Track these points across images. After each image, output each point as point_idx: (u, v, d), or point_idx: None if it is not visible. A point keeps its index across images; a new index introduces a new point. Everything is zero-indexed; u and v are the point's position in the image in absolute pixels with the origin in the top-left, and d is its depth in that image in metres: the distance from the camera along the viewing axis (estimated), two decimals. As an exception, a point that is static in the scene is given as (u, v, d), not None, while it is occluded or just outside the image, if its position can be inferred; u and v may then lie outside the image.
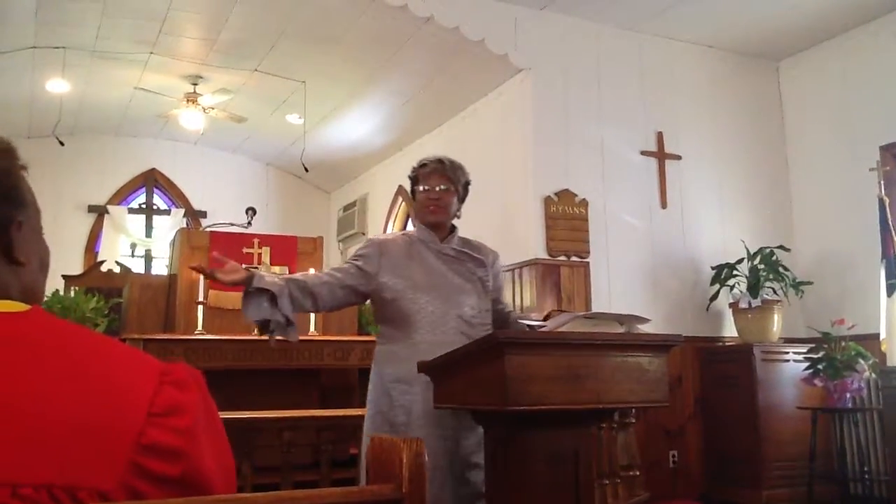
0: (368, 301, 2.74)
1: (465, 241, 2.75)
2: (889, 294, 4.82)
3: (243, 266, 2.55)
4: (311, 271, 2.70)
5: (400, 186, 7.51)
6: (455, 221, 2.77)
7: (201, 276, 4.72)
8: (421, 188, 2.68)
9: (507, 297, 2.88)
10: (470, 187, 2.78)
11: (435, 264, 2.63)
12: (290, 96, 6.80)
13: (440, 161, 2.69)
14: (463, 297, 2.60)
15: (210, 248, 5.01)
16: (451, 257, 2.66)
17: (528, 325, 2.63)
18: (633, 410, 3.88)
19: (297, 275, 2.67)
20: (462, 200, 2.75)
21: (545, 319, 2.62)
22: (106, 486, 0.76)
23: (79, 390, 0.79)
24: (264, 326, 2.50)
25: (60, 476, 0.74)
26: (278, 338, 2.54)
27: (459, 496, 2.44)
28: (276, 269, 4.95)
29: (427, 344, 2.49)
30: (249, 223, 6.03)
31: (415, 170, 2.72)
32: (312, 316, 4.88)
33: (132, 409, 0.80)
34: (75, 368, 0.82)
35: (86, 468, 0.75)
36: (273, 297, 2.45)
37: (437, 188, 2.65)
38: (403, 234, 2.77)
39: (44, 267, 1.00)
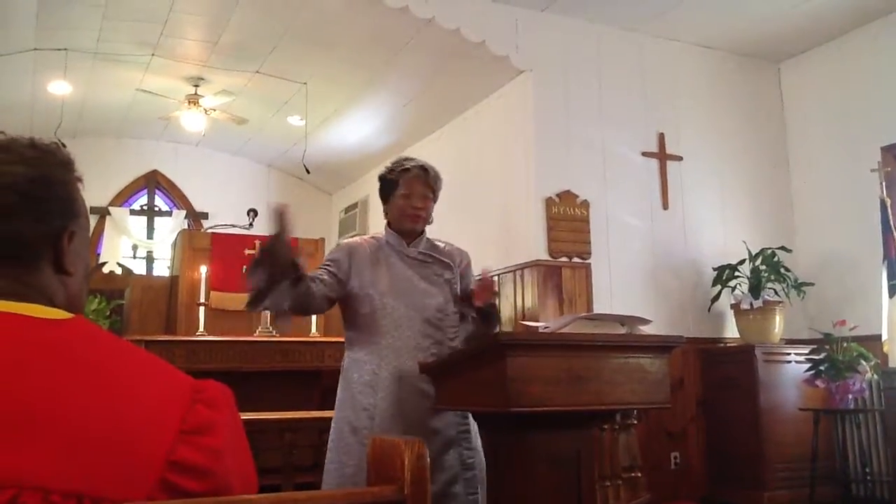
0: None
1: (432, 244, 2.74)
2: (891, 295, 4.82)
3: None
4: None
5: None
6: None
7: (203, 278, 4.74)
8: (401, 192, 2.64)
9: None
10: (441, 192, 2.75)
11: (401, 268, 2.62)
12: (292, 98, 6.80)
13: (424, 169, 2.65)
14: (429, 299, 2.59)
15: (212, 249, 5.02)
16: (417, 261, 2.65)
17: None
18: (635, 412, 3.87)
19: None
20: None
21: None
22: (134, 498, 0.76)
23: (114, 402, 0.80)
24: (258, 299, 2.40)
25: (90, 486, 0.74)
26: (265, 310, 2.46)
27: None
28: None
29: (392, 348, 2.51)
30: (251, 225, 6.03)
31: (394, 171, 2.67)
32: (314, 317, 4.89)
33: (164, 426, 0.81)
34: (112, 380, 0.82)
35: (115, 480, 0.76)
36: (292, 281, 2.37)
37: (423, 195, 2.63)
38: (371, 238, 2.74)
39: (87, 276, 1.02)
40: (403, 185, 2.64)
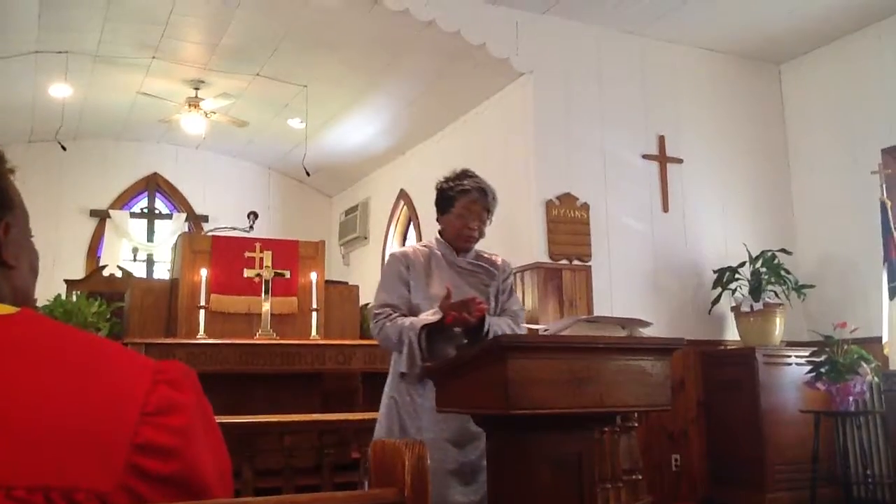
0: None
1: (479, 254, 2.82)
2: (891, 297, 4.81)
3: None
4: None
5: (402, 190, 7.52)
6: None
7: (203, 281, 4.74)
8: (457, 211, 2.69)
9: (518, 301, 2.90)
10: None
11: (451, 277, 2.70)
12: (292, 100, 6.81)
13: (484, 192, 2.70)
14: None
15: (212, 252, 5.02)
16: (466, 270, 2.74)
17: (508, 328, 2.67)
18: (636, 414, 3.87)
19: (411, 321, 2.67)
20: None
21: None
22: (104, 487, 0.75)
23: (72, 392, 0.79)
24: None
25: (57, 478, 0.73)
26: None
27: (465, 500, 2.48)
28: (287, 273, 4.95)
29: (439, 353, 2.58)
30: (251, 227, 6.02)
31: (453, 188, 2.71)
32: (314, 321, 4.89)
33: (126, 409, 0.80)
34: (68, 370, 0.81)
35: (83, 470, 0.75)
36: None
37: (481, 218, 2.70)
38: (424, 247, 2.81)
39: (33, 270, 1.00)
40: (460, 206, 2.69)
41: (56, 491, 0.73)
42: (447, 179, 2.74)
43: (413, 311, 2.65)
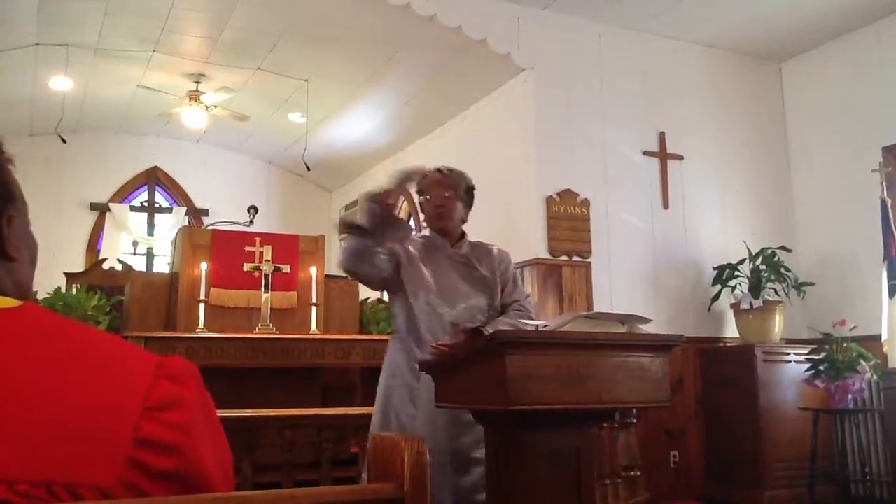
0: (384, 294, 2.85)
1: (475, 245, 2.86)
2: (891, 295, 4.82)
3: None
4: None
5: (402, 186, 7.50)
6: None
7: (203, 275, 4.74)
8: (425, 198, 2.82)
9: (522, 290, 2.92)
10: (475, 192, 2.89)
11: (446, 269, 2.75)
12: (293, 95, 6.80)
13: (439, 171, 2.83)
14: (469, 300, 2.71)
15: (212, 246, 5.02)
16: (460, 262, 2.78)
17: (519, 323, 2.67)
18: (635, 411, 3.88)
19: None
20: (469, 206, 2.87)
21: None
22: (106, 482, 0.75)
23: (74, 386, 0.79)
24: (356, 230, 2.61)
25: (59, 473, 0.73)
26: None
27: (458, 489, 2.51)
28: (287, 267, 4.96)
29: (430, 344, 2.59)
30: (251, 221, 6.02)
31: (419, 183, 2.83)
32: (314, 315, 4.89)
33: (127, 404, 0.79)
34: (70, 364, 0.81)
35: (84, 464, 0.75)
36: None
37: (441, 195, 2.78)
38: (422, 237, 2.90)
39: (33, 261, 0.99)
40: (426, 191, 2.83)
41: (59, 485, 0.73)
42: (418, 181, 2.84)
43: (405, 298, 2.69)
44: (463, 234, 2.86)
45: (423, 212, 2.90)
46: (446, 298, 2.69)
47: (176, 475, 0.80)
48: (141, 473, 0.78)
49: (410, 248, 2.77)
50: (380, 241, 2.59)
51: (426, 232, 2.94)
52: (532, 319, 2.78)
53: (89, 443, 0.76)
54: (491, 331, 2.52)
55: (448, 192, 2.79)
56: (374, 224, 2.57)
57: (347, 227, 2.65)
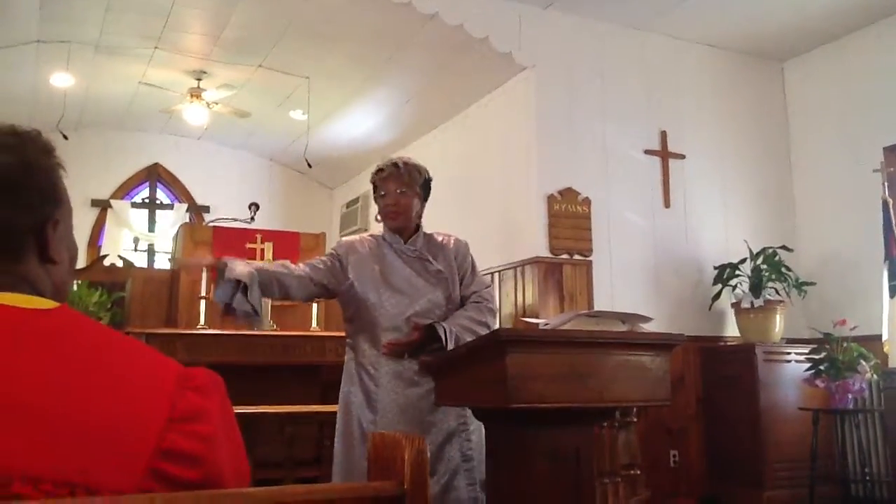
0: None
1: (430, 238, 2.78)
2: (892, 295, 4.81)
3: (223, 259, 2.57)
4: (287, 262, 2.71)
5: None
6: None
7: (203, 272, 4.74)
8: (380, 194, 2.72)
9: (481, 280, 2.83)
10: (432, 184, 2.80)
11: (399, 266, 2.68)
12: (294, 92, 6.80)
13: (395, 165, 2.71)
14: (425, 295, 2.63)
15: (213, 243, 5.02)
16: (413, 258, 2.70)
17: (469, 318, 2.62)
18: (635, 409, 3.88)
19: (272, 265, 2.70)
20: (424, 200, 2.77)
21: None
22: (125, 488, 0.76)
23: (103, 391, 0.79)
24: (228, 309, 2.52)
25: (82, 476, 0.74)
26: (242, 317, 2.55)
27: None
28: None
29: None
30: (252, 219, 6.03)
31: (373, 176, 2.75)
32: (315, 311, 4.89)
33: (153, 414, 0.80)
34: (100, 369, 0.82)
35: (106, 469, 0.76)
36: (244, 288, 2.48)
37: (396, 192, 2.68)
38: (371, 236, 2.80)
39: (73, 264, 1.01)
40: (380, 186, 2.72)
41: (80, 487, 0.74)
42: (373, 173, 2.76)
43: (357, 301, 2.63)
44: (417, 228, 2.76)
45: (377, 207, 2.78)
46: (401, 296, 2.61)
47: (196, 485, 0.81)
48: (162, 482, 0.78)
49: (359, 248, 2.70)
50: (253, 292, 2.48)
51: (379, 228, 2.83)
52: (492, 311, 2.71)
53: (113, 449, 0.77)
54: (446, 326, 2.52)
55: (403, 187, 2.69)
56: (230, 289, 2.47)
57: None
